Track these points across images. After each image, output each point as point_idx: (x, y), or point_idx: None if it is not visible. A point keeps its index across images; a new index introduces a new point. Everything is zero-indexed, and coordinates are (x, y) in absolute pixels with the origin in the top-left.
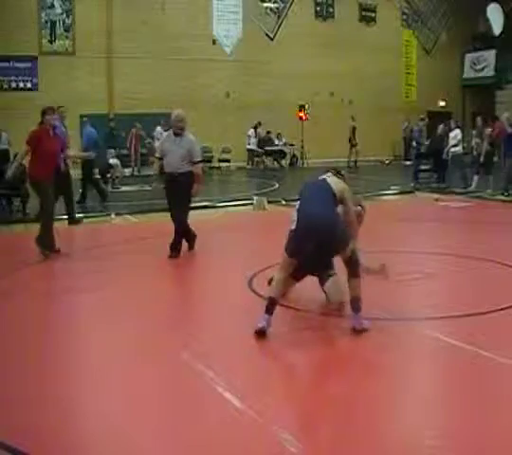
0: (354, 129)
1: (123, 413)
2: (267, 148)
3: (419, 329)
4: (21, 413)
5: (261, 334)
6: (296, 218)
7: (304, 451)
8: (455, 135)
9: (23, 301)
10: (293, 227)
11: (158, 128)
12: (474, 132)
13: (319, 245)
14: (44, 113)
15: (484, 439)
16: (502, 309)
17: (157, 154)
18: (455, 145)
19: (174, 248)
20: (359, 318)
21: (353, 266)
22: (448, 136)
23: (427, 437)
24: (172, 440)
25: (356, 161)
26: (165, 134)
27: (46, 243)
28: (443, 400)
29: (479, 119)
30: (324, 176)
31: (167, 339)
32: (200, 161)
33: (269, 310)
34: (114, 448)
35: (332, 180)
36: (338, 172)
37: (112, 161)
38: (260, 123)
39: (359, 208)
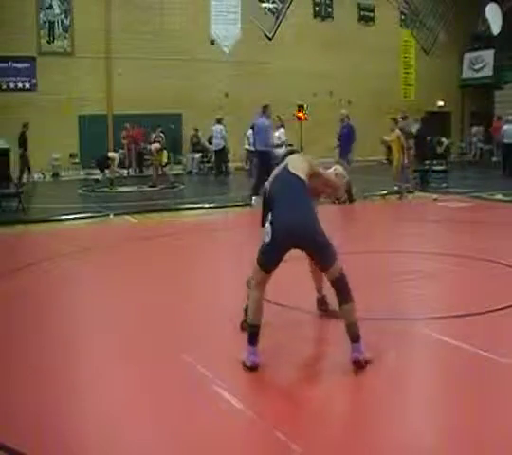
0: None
1: (122, 414)
2: None
3: (419, 329)
4: (20, 414)
5: (255, 369)
6: (269, 230)
7: (304, 452)
8: (278, 135)
9: (22, 303)
10: (267, 239)
11: (218, 126)
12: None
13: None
14: None
15: (484, 439)
16: (501, 309)
17: None
18: (278, 145)
19: None
20: (360, 348)
21: (343, 290)
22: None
23: (426, 437)
24: (171, 440)
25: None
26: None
27: None
28: (442, 400)
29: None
30: (285, 163)
31: (166, 341)
32: None
33: (254, 341)
34: (113, 449)
35: (293, 164)
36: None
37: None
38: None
39: (340, 168)
